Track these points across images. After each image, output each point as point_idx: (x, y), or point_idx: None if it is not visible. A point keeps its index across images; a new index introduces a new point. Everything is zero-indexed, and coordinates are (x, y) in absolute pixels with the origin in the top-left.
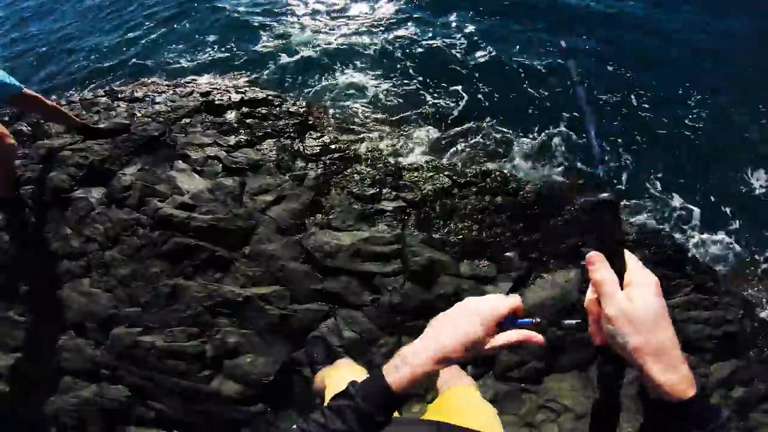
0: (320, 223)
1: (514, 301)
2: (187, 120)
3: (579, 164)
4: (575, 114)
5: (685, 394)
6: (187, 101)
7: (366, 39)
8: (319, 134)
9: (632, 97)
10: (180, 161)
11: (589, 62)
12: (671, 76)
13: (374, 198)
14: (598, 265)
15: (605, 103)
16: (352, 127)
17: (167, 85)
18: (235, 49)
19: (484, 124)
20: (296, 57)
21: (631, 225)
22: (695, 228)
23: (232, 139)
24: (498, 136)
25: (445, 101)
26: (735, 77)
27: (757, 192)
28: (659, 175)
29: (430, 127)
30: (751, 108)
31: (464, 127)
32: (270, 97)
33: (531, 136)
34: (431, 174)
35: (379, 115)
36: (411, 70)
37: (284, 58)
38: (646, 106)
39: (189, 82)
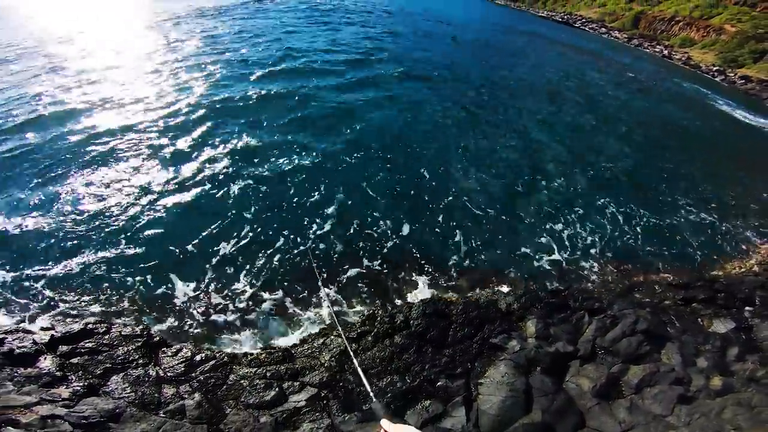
0: None
1: None
2: None
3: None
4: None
5: None
6: None
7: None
8: (175, 349)
9: None
10: (11, 427)
11: None
12: None
13: (279, 399)
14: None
15: None
16: (206, 326)
17: None
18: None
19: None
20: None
21: None
22: None
23: (63, 391)
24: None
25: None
26: None
27: None
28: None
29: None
30: None
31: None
32: (90, 326)
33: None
34: (322, 340)
35: (236, 304)
36: None
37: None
38: None
39: None
